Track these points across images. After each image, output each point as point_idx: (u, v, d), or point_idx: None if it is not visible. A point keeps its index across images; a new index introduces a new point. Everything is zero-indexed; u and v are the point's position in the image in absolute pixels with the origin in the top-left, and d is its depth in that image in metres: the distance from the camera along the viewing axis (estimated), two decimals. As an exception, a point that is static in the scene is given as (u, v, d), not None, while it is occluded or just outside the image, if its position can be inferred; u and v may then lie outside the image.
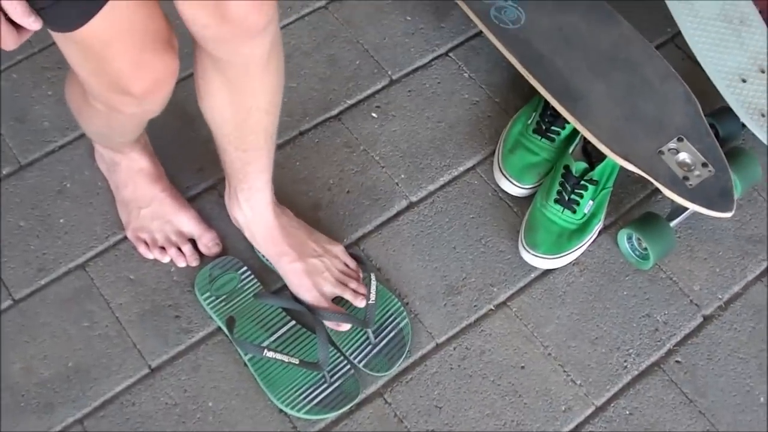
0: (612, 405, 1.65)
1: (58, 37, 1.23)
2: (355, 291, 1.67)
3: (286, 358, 1.61)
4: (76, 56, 1.27)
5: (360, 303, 1.66)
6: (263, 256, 1.71)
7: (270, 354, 1.60)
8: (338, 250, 1.71)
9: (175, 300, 1.70)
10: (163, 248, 1.72)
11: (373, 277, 1.67)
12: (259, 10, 1.24)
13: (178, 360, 1.65)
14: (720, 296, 1.76)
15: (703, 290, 1.76)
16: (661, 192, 1.70)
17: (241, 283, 1.70)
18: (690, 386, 1.67)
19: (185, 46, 1.33)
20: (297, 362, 1.61)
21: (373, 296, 1.65)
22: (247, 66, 1.36)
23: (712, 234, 1.81)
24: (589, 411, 1.64)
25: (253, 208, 1.64)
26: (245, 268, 1.71)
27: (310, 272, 1.66)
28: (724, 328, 1.73)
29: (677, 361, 1.69)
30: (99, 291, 1.69)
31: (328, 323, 1.65)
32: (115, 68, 1.26)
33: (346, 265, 1.70)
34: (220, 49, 1.31)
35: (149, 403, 1.61)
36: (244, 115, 1.45)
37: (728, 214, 1.68)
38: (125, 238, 1.74)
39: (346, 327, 1.65)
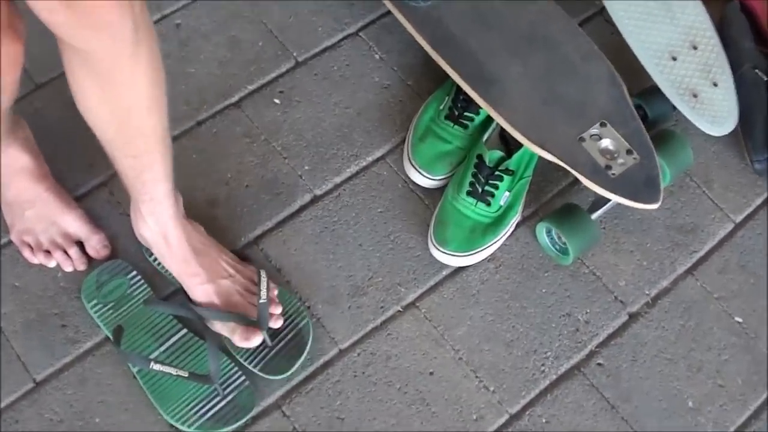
0: (527, 413, 1.54)
1: None
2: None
3: (174, 371, 1.49)
4: None
5: (275, 323, 1.55)
6: (156, 261, 1.60)
7: (157, 367, 1.49)
8: (250, 270, 1.59)
9: (62, 308, 1.58)
10: (48, 252, 1.61)
11: (263, 273, 1.55)
12: (108, 5, 1.12)
13: (64, 373, 1.53)
14: (647, 292, 1.64)
15: (629, 286, 1.64)
16: (584, 180, 1.58)
17: (131, 289, 1.58)
18: (612, 391, 1.55)
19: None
20: (186, 375, 1.49)
21: (264, 294, 1.53)
22: (113, 58, 1.23)
23: (639, 224, 1.69)
24: (503, 420, 1.53)
25: (159, 222, 1.50)
26: (135, 272, 1.59)
27: (220, 294, 1.54)
28: (651, 326, 1.61)
29: (599, 364, 1.58)
30: (-19, 300, 1.58)
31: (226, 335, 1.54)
32: None
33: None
34: (77, 38, 1.19)
35: (33, 420, 1.50)
36: (123, 116, 1.33)
37: (654, 206, 1.56)
38: (10, 242, 1.62)
39: (254, 341, 1.52)
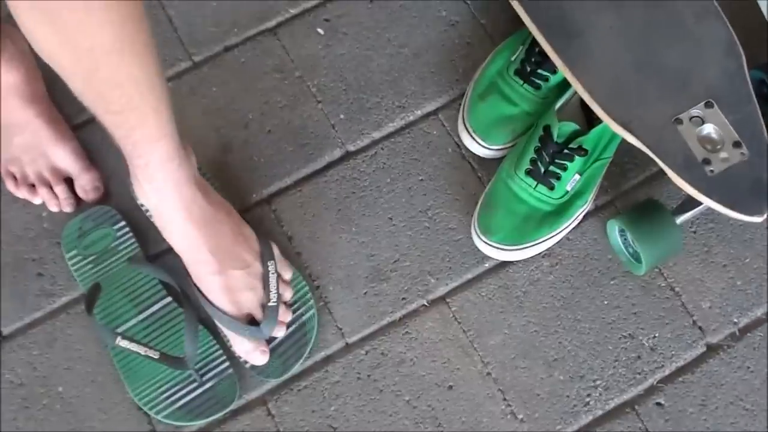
0: (559, 453, 1.27)
1: None
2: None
3: (143, 350, 1.28)
4: None
5: (278, 332, 1.31)
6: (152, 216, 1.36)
7: (123, 343, 1.28)
8: (263, 247, 1.33)
9: (41, 253, 1.38)
10: (34, 186, 1.40)
11: (271, 267, 1.29)
12: None
13: (33, 329, 1.35)
14: (735, 320, 1.32)
15: (714, 309, 1.32)
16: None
17: (116, 242, 1.36)
18: (669, 440, 1.27)
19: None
20: (156, 356, 1.28)
21: (274, 297, 1.29)
22: None
23: (740, 233, 1.35)
24: (527, 457, 1.27)
25: (159, 192, 1.23)
26: (123, 223, 1.37)
27: (231, 289, 1.29)
28: (733, 364, 1.30)
29: (658, 404, 1.28)
30: (-39, 234, 1.40)
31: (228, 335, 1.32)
32: None
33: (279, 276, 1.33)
34: None
35: (-9, 379, 1.34)
36: (89, 62, 1.04)
37: (757, 219, 1.22)
38: (-3, 170, 1.43)
39: (259, 360, 1.31)
